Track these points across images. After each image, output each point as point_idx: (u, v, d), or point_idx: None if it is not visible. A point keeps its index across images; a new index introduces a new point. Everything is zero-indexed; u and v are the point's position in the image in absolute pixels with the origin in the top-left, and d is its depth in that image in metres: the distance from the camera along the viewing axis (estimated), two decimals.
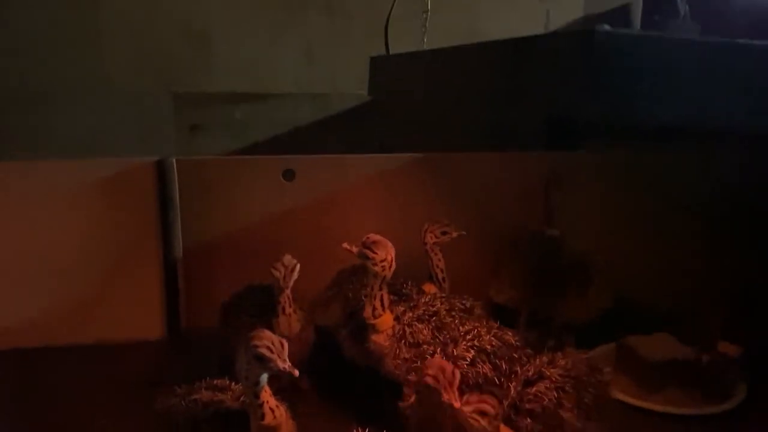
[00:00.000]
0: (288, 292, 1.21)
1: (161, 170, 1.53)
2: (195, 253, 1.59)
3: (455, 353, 1.08)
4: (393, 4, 1.90)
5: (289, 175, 1.60)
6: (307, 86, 2.72)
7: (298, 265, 1.21)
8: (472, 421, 0.87)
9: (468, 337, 1.11)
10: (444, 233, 1.38)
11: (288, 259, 1.21)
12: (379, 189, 1.63)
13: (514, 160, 1.68)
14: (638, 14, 2.87)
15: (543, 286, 1.41)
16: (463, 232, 1.39)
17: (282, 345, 0.88)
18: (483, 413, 0.88)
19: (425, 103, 2.25)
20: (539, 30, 2.84)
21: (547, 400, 0.99)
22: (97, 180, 1.51)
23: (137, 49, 2.54)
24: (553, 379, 1.01)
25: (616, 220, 1.68)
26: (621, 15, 2.87)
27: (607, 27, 1.23)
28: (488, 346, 1.09)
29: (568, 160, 1.70)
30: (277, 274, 1.20)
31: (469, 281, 1.41)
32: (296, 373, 0.87)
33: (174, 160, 1.53)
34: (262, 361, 0.87)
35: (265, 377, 0.89)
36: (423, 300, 1.22)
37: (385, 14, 2.62)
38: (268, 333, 0.89)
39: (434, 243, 1.38)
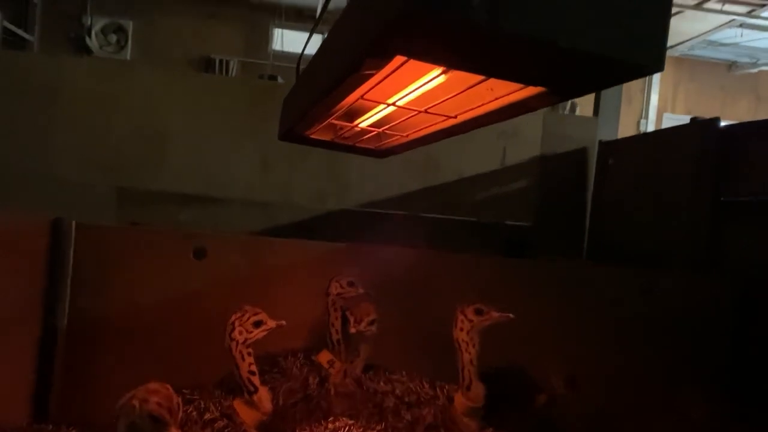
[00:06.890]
0: None
1: (57, 232, 1.40)
2: (80, 330, 1.41)
3: None
4: None
5: (200, 253, 1.48)
6: (260, 195, 2.66)
7: None
8: None
9: None
10: (351, 284, 1.29)
11: None
12: (297, 274, 1.50)
13: (443, 258, 1.58)
14: (593, 157, 2.95)
15: None
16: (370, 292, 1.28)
17: (179, 406, 0.77)
18: None
19: None
20: (495, 165, 2.86)
21: None
22: None
23: (85, 144, 2.51)
24: None
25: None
26: (577, 156, 2.93)
27: None
28: None
29: (505, 266, 1.60)
30: None
31: None
32: None
33: (74, 222, 1.41)
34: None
35: None
36: None
37: None
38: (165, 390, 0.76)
39: (338, 294, 1.29)
